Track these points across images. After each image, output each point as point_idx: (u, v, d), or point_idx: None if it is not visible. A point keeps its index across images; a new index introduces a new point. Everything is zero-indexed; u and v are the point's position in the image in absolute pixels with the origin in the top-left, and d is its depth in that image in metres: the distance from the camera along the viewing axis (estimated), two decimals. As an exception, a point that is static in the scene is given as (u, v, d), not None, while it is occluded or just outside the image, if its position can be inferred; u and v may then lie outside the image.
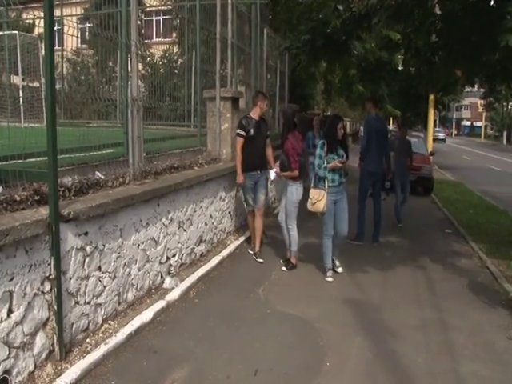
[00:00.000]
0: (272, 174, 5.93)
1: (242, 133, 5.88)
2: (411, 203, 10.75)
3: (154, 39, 19.50)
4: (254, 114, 6.02)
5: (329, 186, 5.17)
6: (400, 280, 5.51)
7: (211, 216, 6.08)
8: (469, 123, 71.23)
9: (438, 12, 7.34)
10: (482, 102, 55.51)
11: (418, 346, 3.90)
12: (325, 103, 20.97)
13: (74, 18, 10.72)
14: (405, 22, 7.29)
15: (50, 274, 3.16)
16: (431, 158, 13.38)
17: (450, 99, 25.48)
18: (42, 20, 3.22)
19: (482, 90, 28.72)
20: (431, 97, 17.61)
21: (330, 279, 5.30)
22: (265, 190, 6.20)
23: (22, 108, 8.29)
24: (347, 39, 8.20)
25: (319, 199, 5.15)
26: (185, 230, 5.29)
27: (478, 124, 65.55)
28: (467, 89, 21.03)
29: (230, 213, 6.82)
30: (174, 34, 16.48)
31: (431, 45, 7.96)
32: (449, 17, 7.05)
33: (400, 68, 12.30)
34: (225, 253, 5.98)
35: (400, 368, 3.54)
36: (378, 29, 7.70)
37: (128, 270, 4.13)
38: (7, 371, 2.83)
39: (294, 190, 5.56)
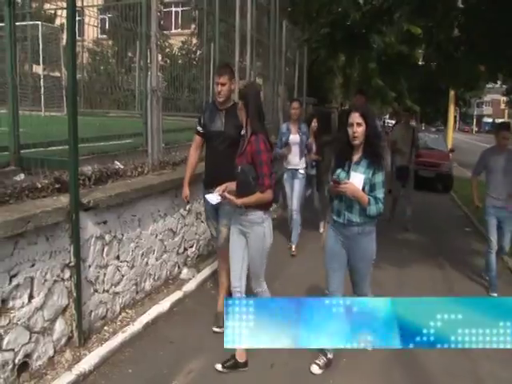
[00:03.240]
0: (213, 197, 3.30)
1: (199, 128, 3.99)
2: (429, 200, 10.63)
3: (173, 30, 19.55)
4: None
5: (333, 221, 3.30)
6: (417, 278, 5.44)
7: (228, 208, 6.08)
8: (490, 120, 70.03)
9: (461, 6, 7.21)
10: (505, 98, 54.36)
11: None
12: (343, 97, 20.78)
13: (95, 9, 10.77)
14: (427, 17, 7.17)
15: (70, 262, 3.19)
16: (451, 154, 13.19)
17: (472, 95, 25.06)
18: (64, 10, 3.24)
19: (504, 86, 28.19)
20: (452, 92, 17.36)
21: (315, 370, 3.35)
22: (227, 219, 3.70)
23: (42, 97, 8.38)
24: (367, 33, 8.11)
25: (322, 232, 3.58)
26: (202, 222, 5.29)
27: (500, 121, 64.39)
28: (489, 85, 20.66)
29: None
30: (193, 26, 16.49)
31: (453, 39, 7.83)
32: (472, 11, 6.93)
33: (420, 63, 12.12)
34: (241, 245, 5.95)
35: (417, 366, 3.51)
36: (399, 23, 7.60)
37: (146, 259, 4.16)
38: (28, 355, 2.88)
39: (268, 229, 3.21)
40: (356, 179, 3.08)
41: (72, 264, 3.20)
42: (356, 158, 3.17)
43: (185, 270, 4.78)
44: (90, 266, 3.43)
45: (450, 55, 7.98)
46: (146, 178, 4.33)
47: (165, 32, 14.84)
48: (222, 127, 3.86)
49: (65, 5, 3.30)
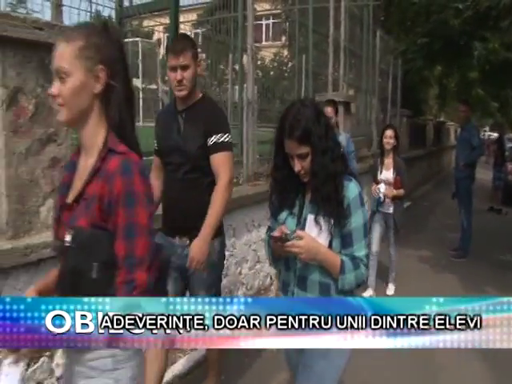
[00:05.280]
0: None
1: (155, 144, 2.68)
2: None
3: (264, 42, 19.92)
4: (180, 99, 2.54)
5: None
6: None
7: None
8: None
9: None
10: None
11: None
12: (438, 108, 19.80)
13: (189, 24, 11.33)
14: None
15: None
16: None
17: None
18: (161, 26, 3.42)
19: None
20: None
21: None
22: (205, 286, 2.54)
23: (141, 109, 8.91)
24: (468, 40, 7.69)
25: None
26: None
27: None
28: None
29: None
30: (284, 38, 16.69)
31: None
32: None
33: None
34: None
35: None
36: (509, 31, 7.10)
37: (239, 268, 4.23)
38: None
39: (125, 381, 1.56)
40: (315, 228, 1.75)
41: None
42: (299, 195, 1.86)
43: (276, 282, 4.80)
44: (187, 272, 3.54)
45: None
46: (240, 188, 4.41)
47: (256, 44, 15.18)
48: (178, 139, 2.48)
49: (161, 21, 3.48)
